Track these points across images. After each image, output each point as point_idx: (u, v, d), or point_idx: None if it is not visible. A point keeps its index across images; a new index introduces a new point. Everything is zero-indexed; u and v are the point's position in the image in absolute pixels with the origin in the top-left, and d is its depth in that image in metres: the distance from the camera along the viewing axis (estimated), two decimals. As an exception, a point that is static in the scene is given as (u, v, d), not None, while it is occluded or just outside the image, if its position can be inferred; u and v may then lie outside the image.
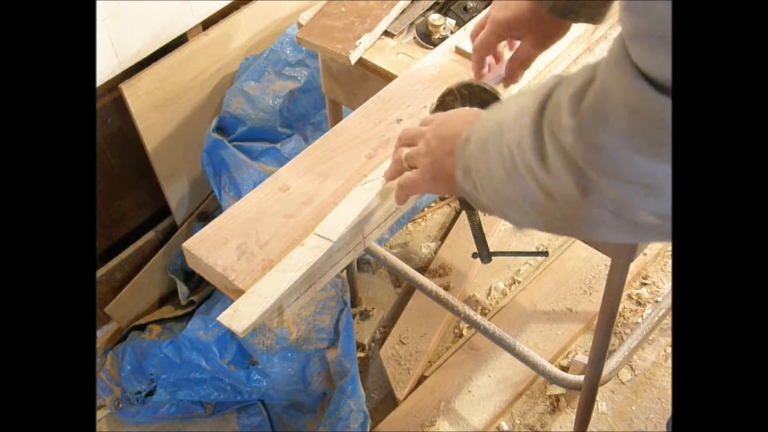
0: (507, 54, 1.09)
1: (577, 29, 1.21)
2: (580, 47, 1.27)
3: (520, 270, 2.09)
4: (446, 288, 2.01)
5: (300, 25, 1.36)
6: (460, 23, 1.30)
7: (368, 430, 1.75)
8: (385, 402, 1.88)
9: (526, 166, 0.66)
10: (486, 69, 1.08)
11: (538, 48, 1.02)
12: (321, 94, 1.67)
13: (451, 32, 1.29)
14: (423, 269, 2.09)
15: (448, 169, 0.80)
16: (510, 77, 1.08)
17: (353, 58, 1.28)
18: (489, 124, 0.75)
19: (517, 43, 1.04)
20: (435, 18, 1.29)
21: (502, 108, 0.75)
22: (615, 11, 1.01)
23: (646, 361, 1.88)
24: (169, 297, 2.10)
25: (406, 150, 0.88)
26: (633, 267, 1.37)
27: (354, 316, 1.99)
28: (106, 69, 1.65)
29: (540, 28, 0.98)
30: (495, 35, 1.02)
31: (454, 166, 0.79)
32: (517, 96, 0.74)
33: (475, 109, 0.92)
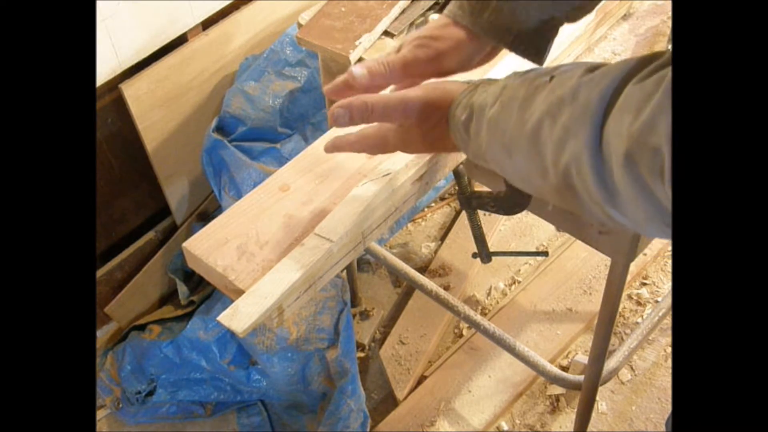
0: None
1: (576, 30, 1.22)
2: (580, 47, 1.27)
3: (520, 270, 2.09)
4: (446, 288, 2.01)
5: (300, 25, 1.36)
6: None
7: (368, 430, 1.75)
8: (385, 402, 1.88)
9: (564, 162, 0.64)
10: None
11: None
12: (321, 94, 1.67)
13: (451, 32, 1.29)
14: (423, 269, 2.10)
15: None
16: None
17: (353, 58, 1.28)
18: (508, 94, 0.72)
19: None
20: (435, 18, 1.29)
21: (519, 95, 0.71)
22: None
23: (646, 361, 1.88)
24: (169, 297, 2.10)
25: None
26: (633, 267, 1.37)
27: (354, 316, 1.99)
28: (106, 69, 1.65)
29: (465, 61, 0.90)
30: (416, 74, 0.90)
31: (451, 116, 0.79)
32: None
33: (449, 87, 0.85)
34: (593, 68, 0.65)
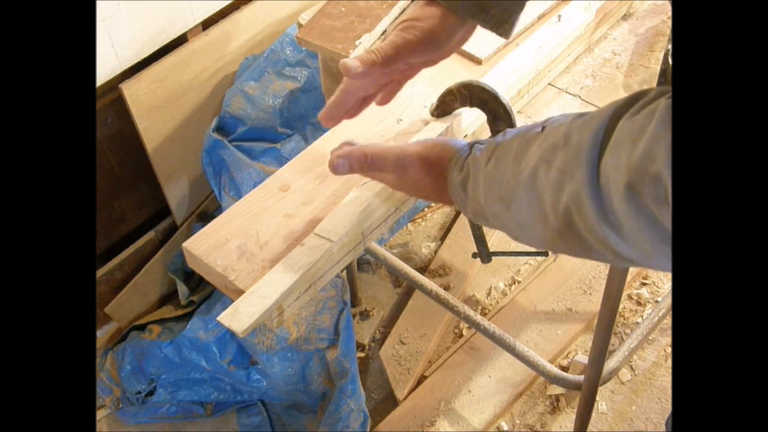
0: None
1: (577, 30, 1.22)
2: (580, 47, 1.27)
3: (520, 270, 2.09)
4: (446, 288, 2.01)
5: (300, 25, 1.36)
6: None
7: (368, 430, 1.75)
8: (385, 402, 1.88)
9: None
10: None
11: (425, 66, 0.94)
12: (321, 94, 1.67)
13: (451, 32, 1.29)
14: (423, 269, 2.09)
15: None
16: (386, 99, 0.98)
17: (353, 58, 1.28)
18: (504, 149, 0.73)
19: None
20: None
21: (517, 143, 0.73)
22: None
23: (646, 361, 1.88)
24: (169, 297, 2.10)
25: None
26: (633, 267, 1.37)
27: (354, 316, 1.99)
28: (106, 69, 1.65)
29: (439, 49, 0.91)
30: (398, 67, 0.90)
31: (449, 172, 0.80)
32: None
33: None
34: (582, 114, 0.67)
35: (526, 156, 0.69)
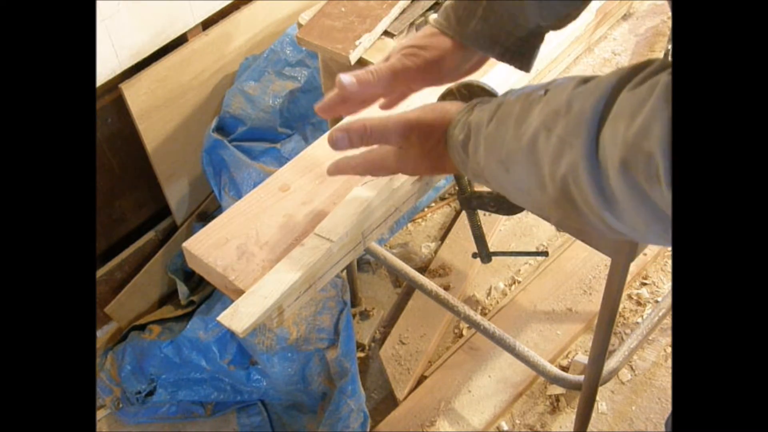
0: None
1: (577, 30, 1.22)
2: (580, 47, 1.27)
3: (520, 270, 2.09)
4: (446, 288, 2.01)
5: (300, 25, 1.36)
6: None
7: (368, 430, 1.75)
8: (385, 402, 1.88)
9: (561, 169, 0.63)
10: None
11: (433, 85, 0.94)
12: (321, 94, 1.67)
13: (451, 32, 1.29)
14: (423, 269, 2.09)
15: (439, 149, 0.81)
16: (389, 106, 0.97)
17: (353, 58, 1.28)
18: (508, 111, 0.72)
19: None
20: (434, 17, 1.29)
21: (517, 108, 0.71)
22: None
23: (646, 361, 1.88)
24: (169, 297, 2.10)
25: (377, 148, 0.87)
26: (633, 267, 1.37)
27: (354, 316, 1.99)
28: (106, 69, 1.65)
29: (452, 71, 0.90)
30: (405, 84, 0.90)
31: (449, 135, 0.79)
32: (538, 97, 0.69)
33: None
34: (586, 80, 0.65)
35: (528, 120, 0.68)
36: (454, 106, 0.82)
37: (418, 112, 0.83)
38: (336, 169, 0.91)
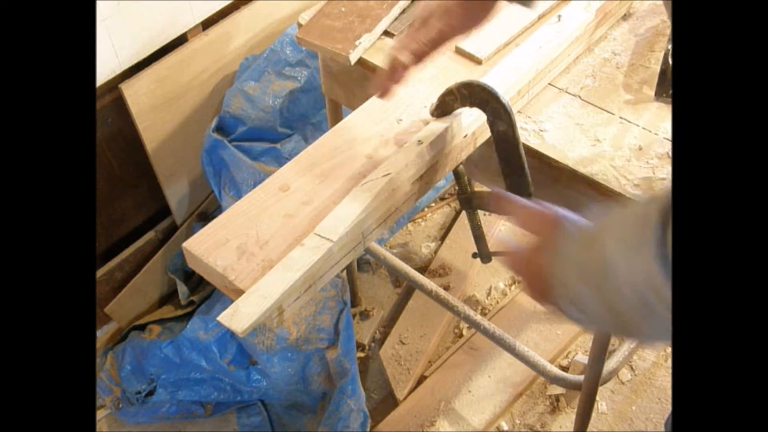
0: None
1: (577, 30, 1.22)
2: (580, 47, 1.27)
3: (520, 270, 2.09)
4: (446, 288, 2.01)
5: (300, 25, 1.36)
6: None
7: (368, 430, 1.75)
8: (385, 402, 1.88)
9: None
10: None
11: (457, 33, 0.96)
12: (321, 94, 1.67)
13: (451, 32, 1.29)
14: (423, 269, 2.09)
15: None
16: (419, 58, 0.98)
17: (353, 58, 1.28)
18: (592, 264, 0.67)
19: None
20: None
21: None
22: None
23: (646, 361, 1.88)
24: (169, 297, 2.10)
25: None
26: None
27: (354, 316, 1.99)
28: (106, 69, 1.65)
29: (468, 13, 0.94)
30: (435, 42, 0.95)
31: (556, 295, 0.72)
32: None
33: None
34: (654, 194, 0.63)
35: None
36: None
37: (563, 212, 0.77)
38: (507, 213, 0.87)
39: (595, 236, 0.67)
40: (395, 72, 0.95)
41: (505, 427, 1.81)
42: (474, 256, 1.19)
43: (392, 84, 0.96)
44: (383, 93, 0.98)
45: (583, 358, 1.82)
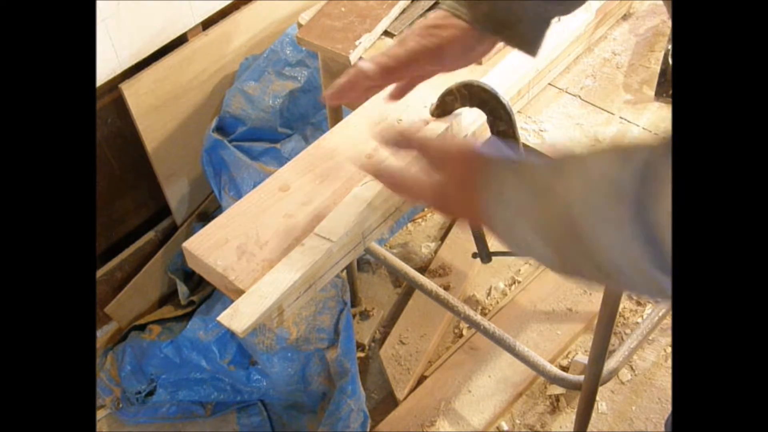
0: None
1: (577, 30, 1.22)
2: (580, 47, 1.27)
3: (520, 270, 2.09)
4: (446, 288, 2.01)
5: (300, 25, 1.36)
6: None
7: (368, 430, 1.75)
8: (385, 402, 1.88)
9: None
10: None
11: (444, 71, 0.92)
12: (321, 94, 1.67)
13: (451, 32, 1.29)
14: (423, 269, 2.09)
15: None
16: (398, 95, 0.96)
17: (353, 58, 1.28)
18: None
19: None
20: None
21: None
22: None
23: (646, 361, 1.88)
24: (169, 297, 2.10)
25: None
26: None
27: (354, 316, 1.99)
28: (106, 69, 1.65)
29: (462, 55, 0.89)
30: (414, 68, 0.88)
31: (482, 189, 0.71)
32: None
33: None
34: (623, 150, 0.59)
35: (566, 196, 0.62)
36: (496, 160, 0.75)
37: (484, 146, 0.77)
38: (381, 139, 0.85)
39: (550, 188, 0.64)
40: (355, 79, 0.88)
41: (505, 427, 1.81)
42: (474, 256, 1.19)
43: (346, 91, 0.89)
44: (333, 97, 0.90)
45: (583, 358, 1.82)
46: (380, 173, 0.84)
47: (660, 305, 1.71)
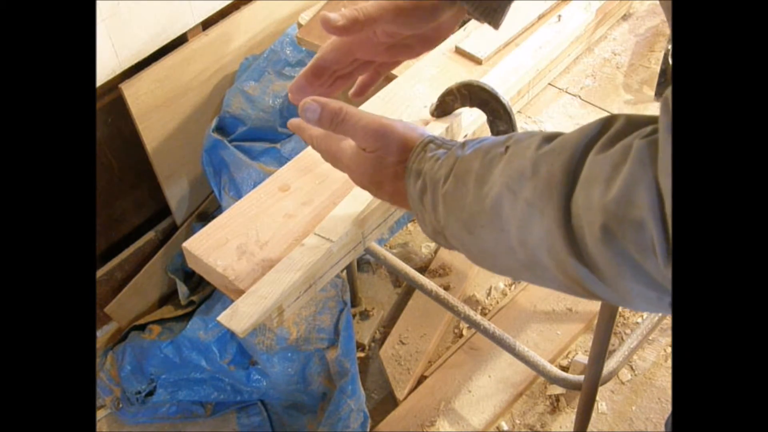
0: None
1: (576, 30, 1.22)
2: (580, 47, 1.27)
3: (520, 270, 2.09)
4: (446, 288, 2.01)
5: (300, 25, 1.36)
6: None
7: (368, 430, 1.75)
8: (385, 402, 1.88)
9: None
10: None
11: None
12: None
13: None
14: (423, 269, 2.09)
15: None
16: (362, 90, 0.93)
17: (353, 58, 1.28)
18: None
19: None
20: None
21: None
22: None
23: (646, 361, 1.88)
24: (169, 297, 2.10)
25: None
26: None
27: (354, 316, 1.99)
28: (106, 69, 1.65)
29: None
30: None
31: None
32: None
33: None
34: (550, 138, 0.62)
35: (489, 180, 0.65)
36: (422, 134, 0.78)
37: (398, 123, 0.79)
38: (295, 127, 0.87)
39: (477, 175, 0.66)
40: (319, 59, 0.85)
41: (505, 427, 1.81)
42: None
43: (310, 79, 0.86)
44: (297, 89, 0.87)
45: (583, 358, 1.82)
46: (304, 132, 0.85)
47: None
